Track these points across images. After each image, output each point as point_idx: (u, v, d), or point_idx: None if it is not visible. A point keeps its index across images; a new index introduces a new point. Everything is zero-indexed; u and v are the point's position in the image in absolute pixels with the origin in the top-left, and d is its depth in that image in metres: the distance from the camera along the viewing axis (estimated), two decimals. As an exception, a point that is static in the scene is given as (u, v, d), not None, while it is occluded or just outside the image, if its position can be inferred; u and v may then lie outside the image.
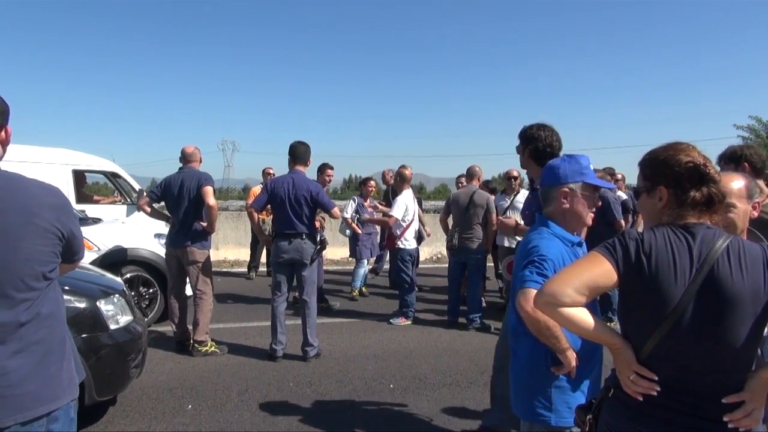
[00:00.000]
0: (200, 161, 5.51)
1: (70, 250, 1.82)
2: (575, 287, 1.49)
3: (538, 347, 2.02)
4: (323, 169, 7.56)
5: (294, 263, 5.11)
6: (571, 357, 1.97)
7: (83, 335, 3.33)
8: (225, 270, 10.26)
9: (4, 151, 1.78)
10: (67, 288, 3.40)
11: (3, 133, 1.74)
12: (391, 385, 4.58)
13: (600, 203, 2.19)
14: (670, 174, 1.57)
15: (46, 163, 7.33)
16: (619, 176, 7.67)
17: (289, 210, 5.05)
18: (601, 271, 1.52)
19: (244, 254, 10.40)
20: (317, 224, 5.43)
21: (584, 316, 1.52)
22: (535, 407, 2.05)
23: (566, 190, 2.09)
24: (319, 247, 5.19)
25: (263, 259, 9.60)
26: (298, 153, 5.19)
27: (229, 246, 11.43)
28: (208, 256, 5.39)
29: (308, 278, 5.16)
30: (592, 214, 2.15)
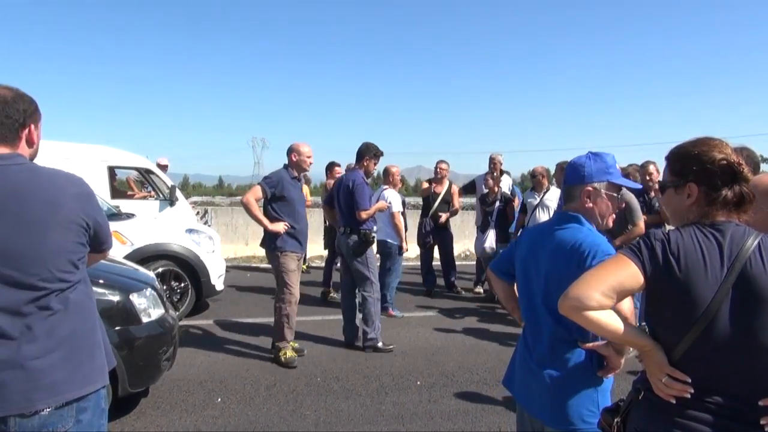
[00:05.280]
0: (292, 159, 5.02)
1: (97, 239, 1.85)
2: (602, 290, 1.46)
3: (581, 352, 1.96)
4: (331, 168, 7.65)
5: (345, 256, 5.45)
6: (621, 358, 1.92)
7: (116, 328, 3.41)
8: (255, 265, 10.39)
9: (34, 151, 1.83)
10: (101, 281, 3.49)
11: (27, 131, 1.77)
12: (418, 382, 4.57)
13: (623, 205, 2.11)
14: (702, 171, 1.51)
15: (82, 159, 7.52)
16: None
17: (336, 206, 5.47)
18: (627, 273, 1.48)
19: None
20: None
21: (612, 320, 1.49)
22: (584, 416, 1.93)
23: (590, 189, 2.01)
24: (362, 240, 5.30)
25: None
26: (358, 153, 5.51)
27: (258, 241, 11.56)
28: (281, 259, 4.94)
29: (358, 272, 5.37)
30: (614, 216, 2.08)
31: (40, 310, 1.66)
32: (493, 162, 7.95)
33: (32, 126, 1.79)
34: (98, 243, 1.87)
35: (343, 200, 5.33)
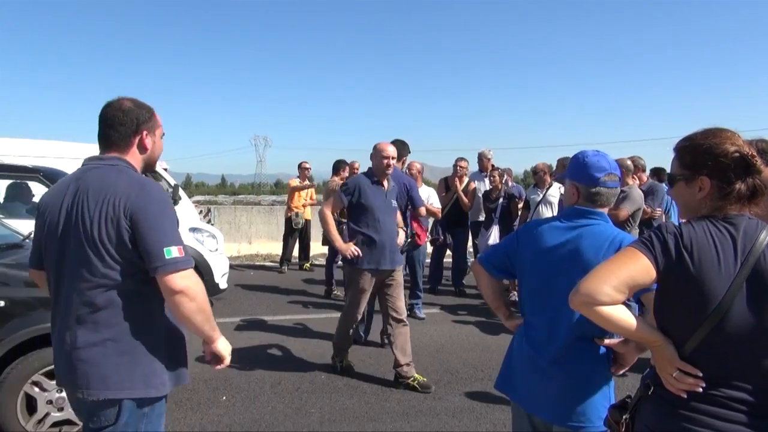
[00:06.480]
0: (373, 160, 4.51)
1: (141, 246, 1.75)
2: (613, 285, 1.43)
3: (599, 349, 1.96)
4: (337, 168, 7.62)
5: None
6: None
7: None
8: (258, 264, 10.40)
9: (149, 156, 1.97)
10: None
11: (139, 138, 1.92)
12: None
13: None
14: (714, 164, 1.49)
15: (84, 158, 7.53)
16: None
17: None
18: (638, 267, 1.45)
19: (276, 248, 10.50)
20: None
21: (623, 315, 1.47)
22: (600, 412, 1.91)
23: None
24: (409, 240, 5.17)
25: (295, 252, 9.67)
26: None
27: (261, 240, 11.58)
28: (352, 274, 4.42)
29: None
30: None
31: (87, 303, 1.78)
32: (482, 159, 7.95)
33: (145, 132, 1.93)
34: (146, 257, 1.76)
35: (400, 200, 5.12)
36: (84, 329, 1.78)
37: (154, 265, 1.75)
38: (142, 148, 1.94)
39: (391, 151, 4.41)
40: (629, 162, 5.36)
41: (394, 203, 4.54)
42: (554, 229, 2.07)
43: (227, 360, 2.01)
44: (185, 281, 1.77)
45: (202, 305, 1.83)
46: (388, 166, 4.39)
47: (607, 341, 1.92)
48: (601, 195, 2.04)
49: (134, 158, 1.93)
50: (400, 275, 4.55)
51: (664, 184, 6.86)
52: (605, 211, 2.07)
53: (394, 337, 4.45)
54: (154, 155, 1.99)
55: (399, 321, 4.47)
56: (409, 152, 5.61)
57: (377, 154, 4.42)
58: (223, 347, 1.99)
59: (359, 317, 4.46)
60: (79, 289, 1.78)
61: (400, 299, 4.52)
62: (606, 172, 2.03)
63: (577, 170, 2.09)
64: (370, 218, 4.34)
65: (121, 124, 1.88)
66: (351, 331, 4.55)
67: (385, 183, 4.47)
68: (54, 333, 1.89)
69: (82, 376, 1.78)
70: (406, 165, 5.77)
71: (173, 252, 1.76)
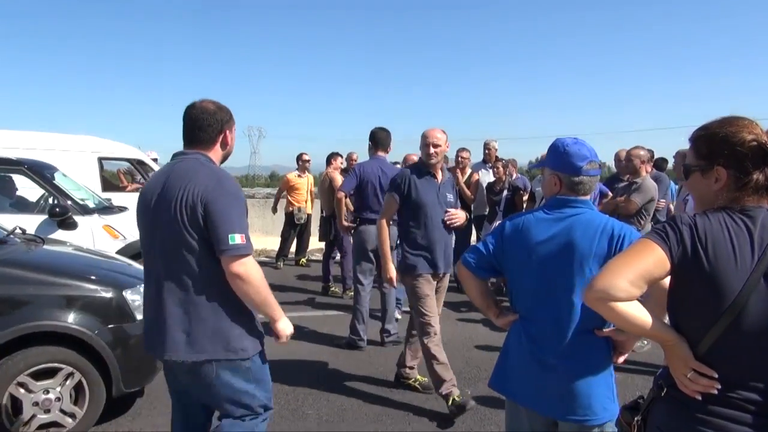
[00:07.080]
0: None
1: (211, 231, 2.04)
2: (630, 279, 1.37)
3: (602, 341, 1.93)
4: (330, 159, 7.50)
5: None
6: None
7: (110, 326, 3.29)
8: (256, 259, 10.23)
9: (228, 150, 2.31)
10: (93, 277, 3.38)
11: (223, 136, 2.24)
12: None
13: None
14: (731, 153, 1.43)
15: (73, 150, 7.37)
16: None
17: (379, 196, 4.90)
18: (654, 259, 1.39)
19: (271, 243, 10.33)
20: None
21: (639, 312, 1.40)
22: (605, 404, 1.92)
23: None
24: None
25: (292, 248, 9.47)
26: (379, 139, 5.07)
27: (256, 234, 11.42)
28: (410, 281, 3.94)
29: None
30: None
31: (172, 278, 2.09)
32: (487, 149, 7.78)
33: (227, 131, 2.26)
34: (215, 241, 2.05)
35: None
36: (170, 299, 2.09)
37: (220, 248, 2.05)
38: (225, 144, 2.27)
39: (436, 137, 3.87)
40: (643, 152, 5.21)
41: (450, 197, 4.05)
42: (541, 221, 2.03)
43: (283, 339, 2.27)
44: (242, 267, 2.06)
45: (258, 288, 2.11)
46: (430, 155, 3.88)
47: (605, 331, 1.90)
48: (584, 184, 2.02)
49: (216, 154, 2.25)
50: (446, 280, 4.21)
51: (664, 174, 6.85)
52: (588, 198, 2.05)
53: (413, 338, 4.20)
54: (232, 149, 2.33)
55: None
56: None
57: (421, 141, 3.95)
58: (282, 327, 2.26)
59: (437, 328, 3.90)
60: (166, 264, 2.10)
61: (439, 305, 4.20)
62: (588, 160, 2.01)
63: (557, 159, 2.05)
64: (422, 216, 3.87)
65: (209, 125, 2.19)
66: (441, 348, 3.92)
67: (438, 175, 3.99)
68: (145, 304, 2.25)
69: (170, 341, 2.10)
70: (388, 155, 5.55)
71: (236, 239, 2.05)
